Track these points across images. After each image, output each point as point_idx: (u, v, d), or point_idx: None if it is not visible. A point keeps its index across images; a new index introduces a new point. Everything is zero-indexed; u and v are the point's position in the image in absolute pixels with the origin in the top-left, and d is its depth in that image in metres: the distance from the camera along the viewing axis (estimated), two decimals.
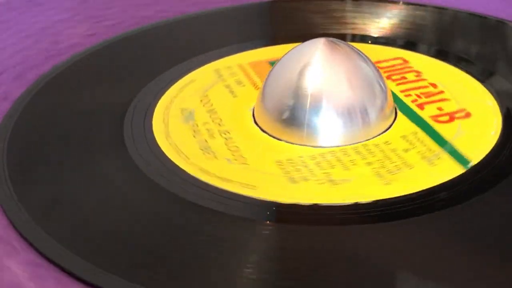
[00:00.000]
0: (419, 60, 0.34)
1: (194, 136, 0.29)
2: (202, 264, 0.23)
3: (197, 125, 0.30)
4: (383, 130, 0.29)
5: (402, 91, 0.31)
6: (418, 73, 0.33)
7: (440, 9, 0.38)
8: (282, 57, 0.30)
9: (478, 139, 0.28)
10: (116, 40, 0.37)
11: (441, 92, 0.31)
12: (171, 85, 0.33)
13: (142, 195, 0.26)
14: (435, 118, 0.30)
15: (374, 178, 0.26)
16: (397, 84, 0.32)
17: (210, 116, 0.30)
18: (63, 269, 0.23)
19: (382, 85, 0.29)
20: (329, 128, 0.28)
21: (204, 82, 0.33)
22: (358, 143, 0.28)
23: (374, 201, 0.25)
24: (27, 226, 0.25)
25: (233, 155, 0.28)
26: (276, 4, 0.41)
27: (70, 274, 0.23)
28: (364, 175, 0.27)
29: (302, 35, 0.33)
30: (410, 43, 0.35)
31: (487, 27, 0.37)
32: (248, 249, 0.24)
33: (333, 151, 0.28)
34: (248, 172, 0.27)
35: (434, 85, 0.32)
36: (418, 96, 0.31)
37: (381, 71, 0.30)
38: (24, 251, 0.24)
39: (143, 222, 0.25)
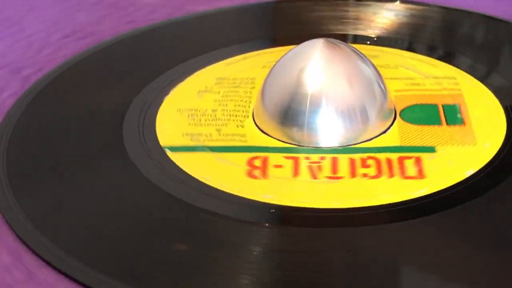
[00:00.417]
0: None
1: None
2: (202, 265, 0.23)
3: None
4: (383, 130, 0.29)
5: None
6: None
7: (441, 9, 0.38)
8: (282, 57, 0.30)
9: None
10: (116, 41, 0.37)
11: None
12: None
13: (142, 197, 0.26)
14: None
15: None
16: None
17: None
18: (62, 273, 0.23)
19: (382, 85, 0.29)
20: (329, 128, 0.28)
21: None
22: (358, 143, 0.28)
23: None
24: (27, 230, 0.25)
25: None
26: (276, 4, 0.41)
27: (70, 277, 0.23)
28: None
29: (301, 35, 0.33)
30: (409, 43, 0.35)
31: (490, 26, 0.37)
32: (254, 252, 0.24)
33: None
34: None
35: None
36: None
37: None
38: (22, 255, 0.24)
39: (146, 224, 0.25)
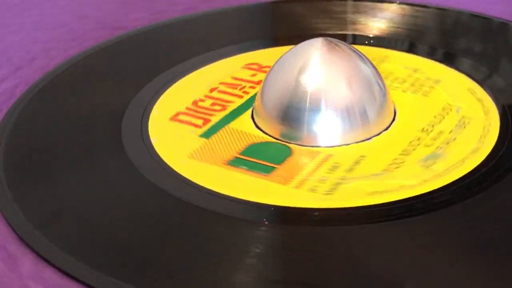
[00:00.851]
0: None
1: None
2: (203, 265, 0.23)
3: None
4: (383, 129, 0.29)
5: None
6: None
7: (440, 10, 0.38)
8: (281, 57, 0.30)
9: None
10: (115, 41, 0.37)
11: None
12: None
13: (142, 197, 0.26)
14: None
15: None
16: None
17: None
18: (64, 272, 0.23)
19: (381, 85, 0.29)
20: (328, 128, 0.28)
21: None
22: (358, 142, 0.28)
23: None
24: (27, 231, 0.25)
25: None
26: (275, 4, 0.41)
27: (71, 277, 0.23)
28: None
29: (301, 35, 0.33)
30: (408, 43, 0.35)
31: (489, 27, 0.37)
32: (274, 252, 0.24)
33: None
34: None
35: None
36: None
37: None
38: (24, 256, 0.24)
39: (145, 224, 0.25)
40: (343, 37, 0.35)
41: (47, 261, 0.24)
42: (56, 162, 0.28)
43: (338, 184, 0.26)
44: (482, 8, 0.38)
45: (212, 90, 0.32)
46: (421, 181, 0.26)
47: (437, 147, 0.28)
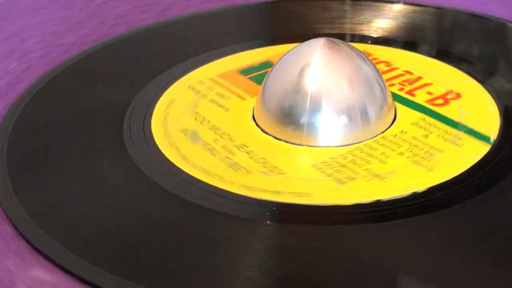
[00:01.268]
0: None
1: (213, 155, 0.28)
2: (203, 265, 0.23)
3: (209, 144, 0.29)
4: (384, 129, 0.29)
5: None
6: (388, 63, 0.33)
7: (439, 9, 0.38)
8: (282, 57, 0.30)
9: (482, 116, 0.30)
10: (116, 41, 0.37)
11: (420, 77, 0.32)
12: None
13: (142, 196, 0.26)
14: (431, 102, 0.30)
15: (415, 167, 0.27)
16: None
17: (216, 133, 0.29)
18: (64, 270, 0.23)
19: (382, 84, 0.30)
20: (330, 128, 0.28)
21: (185, 100, 0.32)
22: (361, 142, 0.28)
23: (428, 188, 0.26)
24: (28, 227, 0.25)
25: (265, 167, 0.27)
26: (275, 4, 0.41)
27: (71, 274, 0.23)
28: (404, 166, 0.27)
29: (302, 35, 0.33)
30: (408, 43, 0.36)
31: (486, 27, 0.37)
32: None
33: (359, 147, 0.28)
34: (290, 180, 0.27)
35: (409, 72, 0.33)
36: (402, 84, 0.32)
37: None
38: (24, 252, 0.24)
39: (145, 223, 0.25)
40: (343, 37, 0.35)
41: (46, 257, 0.24)
42: (57, 160, 0.28)
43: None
44: (482, 8, 0.39)
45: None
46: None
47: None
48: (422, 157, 0.27)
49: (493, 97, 0.31)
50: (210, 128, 0.30)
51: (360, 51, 0.30)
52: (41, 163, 0.28)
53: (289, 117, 0.28)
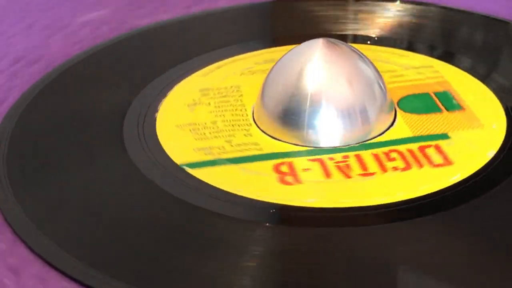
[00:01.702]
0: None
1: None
2: (203, 266, 0.23)
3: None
4: (384, 129, 0.29)
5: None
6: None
7: (441, 8, 0.38)
8: (282, 57, 0.30)
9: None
10: (116, 41, 0.37)
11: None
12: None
13: (142, 197, 0.26)
14: None
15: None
16: None
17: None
18: (62, 272, 0.23)
19: (382, 85, 0.29)
20: (332, 127, 0.28)
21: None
22: (360, 142, 0.28)
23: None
24: (27, 229, 0.25)
25: None
26: (275, 4, 0.41)
27: (70, 277, 0.23)
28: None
29: (301, 35, 0.33)
30: (409, 43, 0.35)
31: (489, 26, 0.37)
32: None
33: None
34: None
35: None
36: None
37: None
38: (22, 254, 0.24)
39: (144, 224, 0.25)
40: (343, 37, 0.35)
41: (45, 260, 0.24)
42: (57, 161, 0.28)
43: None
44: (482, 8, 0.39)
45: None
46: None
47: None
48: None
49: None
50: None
51: (359, 51, 0.30)
52: (41, 163, 0.28)
53: (288, 118, 0.28)
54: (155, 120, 0.30)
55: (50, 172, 0.28)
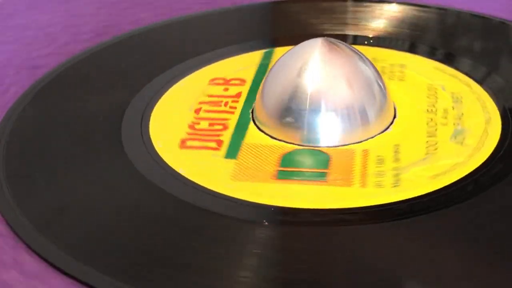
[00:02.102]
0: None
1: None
2: (204, 265, 0.23)
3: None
4: (383, 129, 0.29)
5: None
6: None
7: (440, 10, 0.38)
8: (281, 57, 0.30)
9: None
10: (114, 42, 0.37)
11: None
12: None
13: (141, 197, 0.26)
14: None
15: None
16: None
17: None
18: (63, 272, 0.23)
19: (381, 85, 0.29)
20: (328, 128, 0.28)
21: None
22: (360, 142, 0.28)
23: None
24: (27, 232, 0.25)
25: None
26: (275, 5, 0.41)
27: (71, 278, 0.23)
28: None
29: (301, 35, 0.33)
30: (408, 44, 0.35)
31: (487, 27, 0.37)
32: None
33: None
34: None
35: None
36: None
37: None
38: (22, 255, 0.24)
39: (146, 225, 0.25)
40: (343, 37, 0.35)
41: (45, 260, 0.24)
42: (55, 161, 0.28)
43: (397, 174, 0.26)
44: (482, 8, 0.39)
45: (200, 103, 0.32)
46: (467, 157, 0.27)
47: (454, 123, 0.29)
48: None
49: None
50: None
51: (359, 52, 0.30)
52: (40, 165, 0.28)
53: (288, 118, 0.28)
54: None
55: (49, 172, 0.28)
